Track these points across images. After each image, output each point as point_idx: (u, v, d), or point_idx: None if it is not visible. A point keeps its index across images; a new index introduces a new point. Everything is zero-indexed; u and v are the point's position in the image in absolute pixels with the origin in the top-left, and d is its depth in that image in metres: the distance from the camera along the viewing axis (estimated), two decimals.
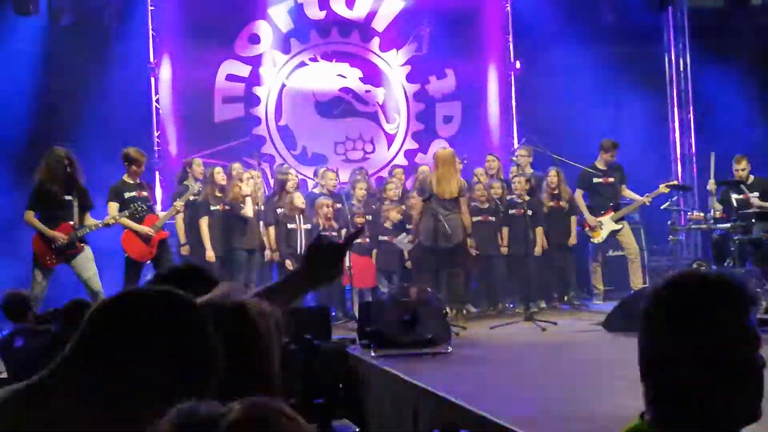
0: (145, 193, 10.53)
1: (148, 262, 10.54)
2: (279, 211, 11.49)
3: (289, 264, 11.32)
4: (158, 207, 11.05)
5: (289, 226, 11.40)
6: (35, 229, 9.65)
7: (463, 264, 11.28)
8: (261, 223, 11.40)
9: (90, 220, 9.99)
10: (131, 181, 10.48)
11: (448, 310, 10.43)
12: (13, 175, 11.23)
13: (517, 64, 14.82)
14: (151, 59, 13.64)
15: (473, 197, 11.95)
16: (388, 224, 11.79)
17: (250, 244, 11.26)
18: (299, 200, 11.47)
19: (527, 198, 11.59)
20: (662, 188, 12.07)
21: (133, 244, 10.35)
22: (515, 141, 14.46)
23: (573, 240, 12.32)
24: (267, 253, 11.41)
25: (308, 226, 11.48)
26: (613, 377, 6.29)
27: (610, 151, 12.32)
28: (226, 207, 11.20)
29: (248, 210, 11.15)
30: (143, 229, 10.29)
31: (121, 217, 10.19)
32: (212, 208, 11.22)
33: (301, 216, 11.44)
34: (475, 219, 11.79)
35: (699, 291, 1.94)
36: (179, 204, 10.77)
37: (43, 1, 12.01)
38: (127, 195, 10.35)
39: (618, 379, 5.67)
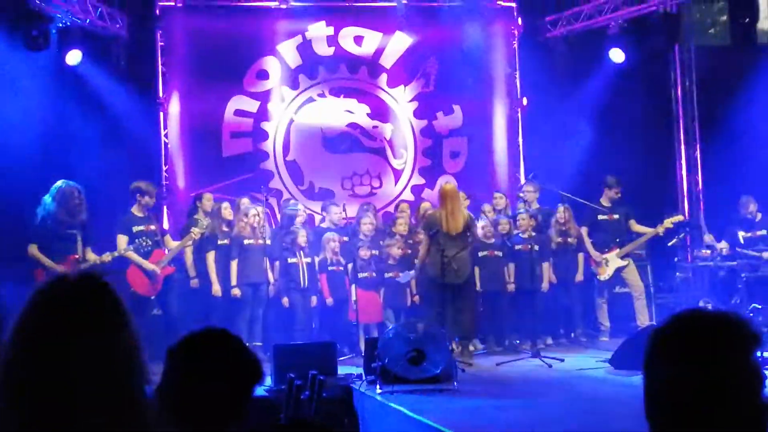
0: (153, 227, 10.54)
1: (153, 297, 10.57)
2: (283, 245, 11.53)
3: (286, 300, 11.35)
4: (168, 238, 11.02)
5: (290, 260, 11.42)
6: (39, 263, 9.65)
7: (470, 300, 11.26)
8: (266, 258, 11.38)
9: (92, 255, 10.00)
10: (140, 215, 10.52)
11: (454, 346, 10.43)
12: (20, 211, 11.18)
13: (524, 101, 14.87)
14: (160, 94, 13.73)
15: (484, 232, 11.95)
16: (391, 261, 11.78)
17: (255, 279, 11.26)
18: (302, 238, 11.50)
19: (533, 234, 11.59)
20: (667, 223, 12.04)
21: (138, 279, 10.37)
22: (522, 177, 14.47)
23: (580, 276, 12.31)
24: (271, 288, 11.41)
25: (309, 260, 11.49)
26: (620, 414, 6.27)
27: (614, 188, 12.34)
28: (232, 241, 11.22)
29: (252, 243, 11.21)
30: (149, 265, 10.32)
31: (128, 250, 10.21)
32: (219, 242, 11.24)
33: (302, 251, 11.46)
34: (481, 254, 11.78)
35: (702, 330, 1.93)
36: (196, 231, 10.69)
37: (53, 36, 12.08)
38: (135, 229, 10.37)
39: (624, 416, 5.66)
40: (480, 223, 11.88)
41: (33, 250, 9.70)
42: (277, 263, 11.44)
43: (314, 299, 11.57)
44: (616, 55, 13.85)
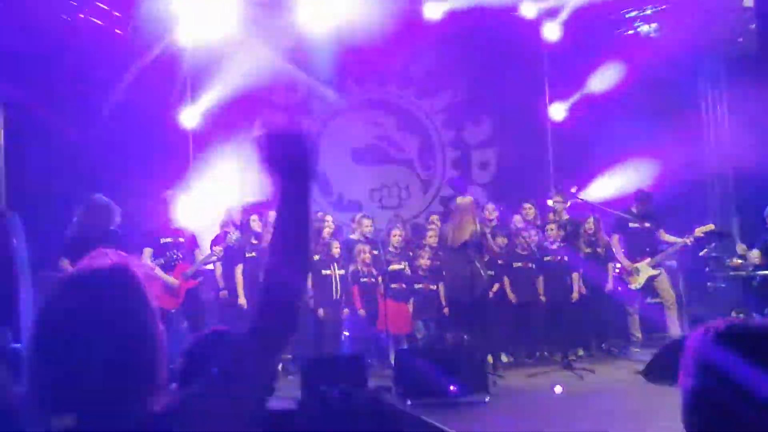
0: (181, 240, 10.43)
1: (173, 310, 10.41)
2: (315, 258, 11.48)
3: (322, 312, 11.28)
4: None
5: (324, 272, 11.38)
6: None
7: (501, 312, 11.21)
8: None
9: None
10: (171, 226, 10.38)
11: (488, 358, 10.40)
12: (49, 219, 11.18)
13: (556, 112, 14.77)
14: (186, 114, 13.74)
15: (516, 242, 11.90)
16: (421, 272, 11.73)
17: None
18: (336, 249, 11.47)
19: (562, 245, 11.53)
20: (697, 232, 11.92)
21: (157, 293, 10.18)
22: (551, 187, 14.37)
23: (610, 286, 12.19)
24: None
25: (342, 272, 11.47)
26: (654, 428, 6.21)
27: (638, 201, 12.20)
28: (259, 254, 11.16)
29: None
30: (169, 279, 10.18)
31: (154, 266, 10.12)
32: (248, 255, 11.23)
33: (336, 263, 11.43)
34: (515, 265, 11.75)
35: (731, 342, 1.90)
36: (218, 249, 10.64)
37: None
38: (163, 240, 10.29)
39: (658, 429, 5.59)
40: (524, 234, 11.88)
41: (64, 264, 9.67)
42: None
43: (346, 311, 11.54)
44: (645, 63, 13.73)
